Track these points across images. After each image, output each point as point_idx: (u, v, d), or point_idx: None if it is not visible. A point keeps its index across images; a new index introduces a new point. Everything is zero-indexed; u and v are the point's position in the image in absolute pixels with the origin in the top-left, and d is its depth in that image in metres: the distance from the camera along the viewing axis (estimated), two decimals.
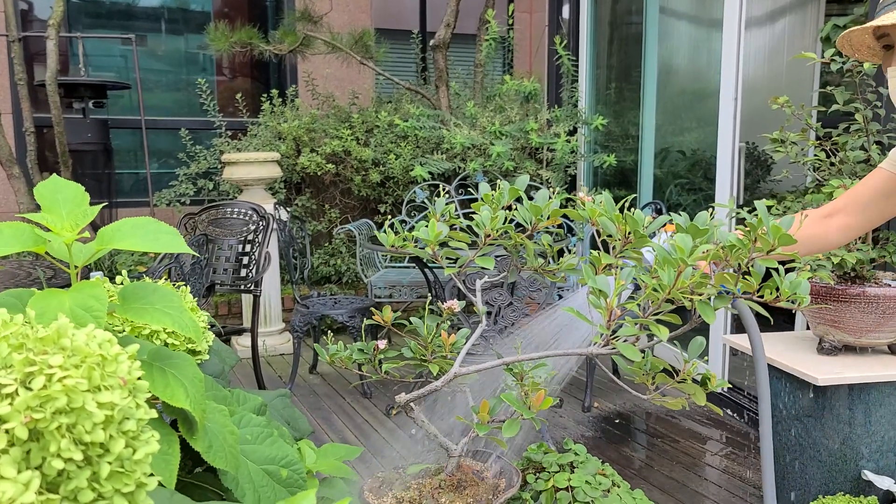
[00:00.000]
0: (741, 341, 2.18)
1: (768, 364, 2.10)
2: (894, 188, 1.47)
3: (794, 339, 2.28)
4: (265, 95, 5.36)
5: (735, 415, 3.40)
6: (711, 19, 3.75)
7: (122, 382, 0.60)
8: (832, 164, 2.13)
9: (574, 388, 3.71)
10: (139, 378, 0.63)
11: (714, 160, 3.49)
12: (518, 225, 1.09)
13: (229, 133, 5.41)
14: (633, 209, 0.96)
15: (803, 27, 4.62)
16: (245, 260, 3.42)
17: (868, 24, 1.31)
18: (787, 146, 2.20)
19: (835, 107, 2.09)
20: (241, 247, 3.44)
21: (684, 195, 4.15)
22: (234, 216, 3.48)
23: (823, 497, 1.94)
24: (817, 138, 2.22)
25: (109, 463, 0.59)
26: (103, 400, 0.57)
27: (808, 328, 2.89)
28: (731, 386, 3.18)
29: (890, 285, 1.99)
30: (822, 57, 2.21)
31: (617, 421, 3.38)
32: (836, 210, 1.53)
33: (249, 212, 3.48)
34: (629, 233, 0.94)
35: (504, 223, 1.07)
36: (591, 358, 1.03)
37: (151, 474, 0.64)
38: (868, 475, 1.95)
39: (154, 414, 0.64)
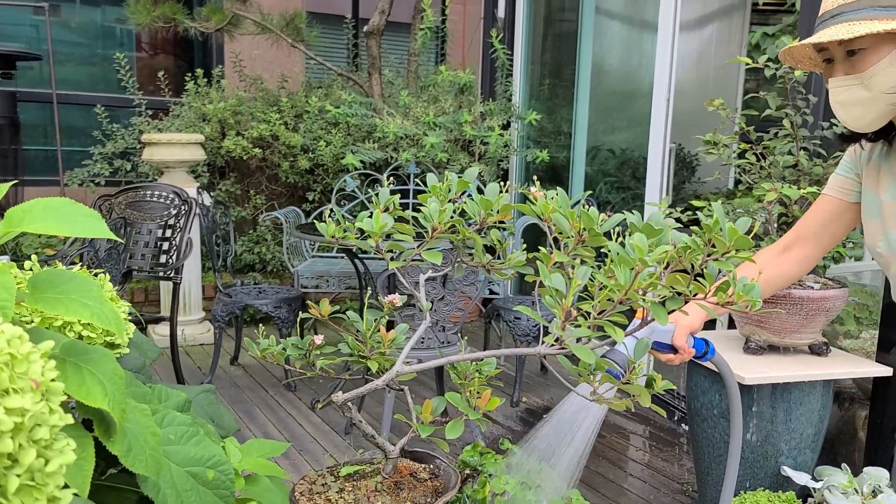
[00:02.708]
0: None
1: (697, 363, 2.14)
2: (840, 212, 1.57)
3: (720, 337, 2.33)
4: (189, 75, 5.14)
5: (660, 411, 3.47)
6: (645, 21, 3.81)
7: (35, 385, 0.52)
8: (762, 167, 2.18)
9: (503, 382, 3.71)
10: (53, 379, 0.56)
11: (644, 160, 3.54)
12: (462, 215, 1.05)
13: (150, 112, 5.17)
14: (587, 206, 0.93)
15: (729, 33, 4.75)
16: (165, 245, 3.26)
17: (807, 41, 1.37)
18: (720, 148, 2.24)
19: (767, 111, 2.14)
20: (161, 231, 3.28)
21: (613, 193, 4.21)
22: (155, 199, 3.32)
23: (745, 492, 1.98)
24: (748, 142, 2.27)
25: (18, 475, 0.52)
26: (12, 405, 0.50)
27: (730, 327, 2.97)
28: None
29: (813, 288, 2.05)
30: (752, 63, 2.26)
31: (545, 416, 3.40)
32: (791, 243, 1.61)
33: (171, 195, 3.33)
34: (583, 230, 0.92)
35: (452, 216, 1.02)
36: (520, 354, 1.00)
37: (66, 486, 0.57)
38: (787, 471, 2.01)
39: (70, 420, 0.57)
